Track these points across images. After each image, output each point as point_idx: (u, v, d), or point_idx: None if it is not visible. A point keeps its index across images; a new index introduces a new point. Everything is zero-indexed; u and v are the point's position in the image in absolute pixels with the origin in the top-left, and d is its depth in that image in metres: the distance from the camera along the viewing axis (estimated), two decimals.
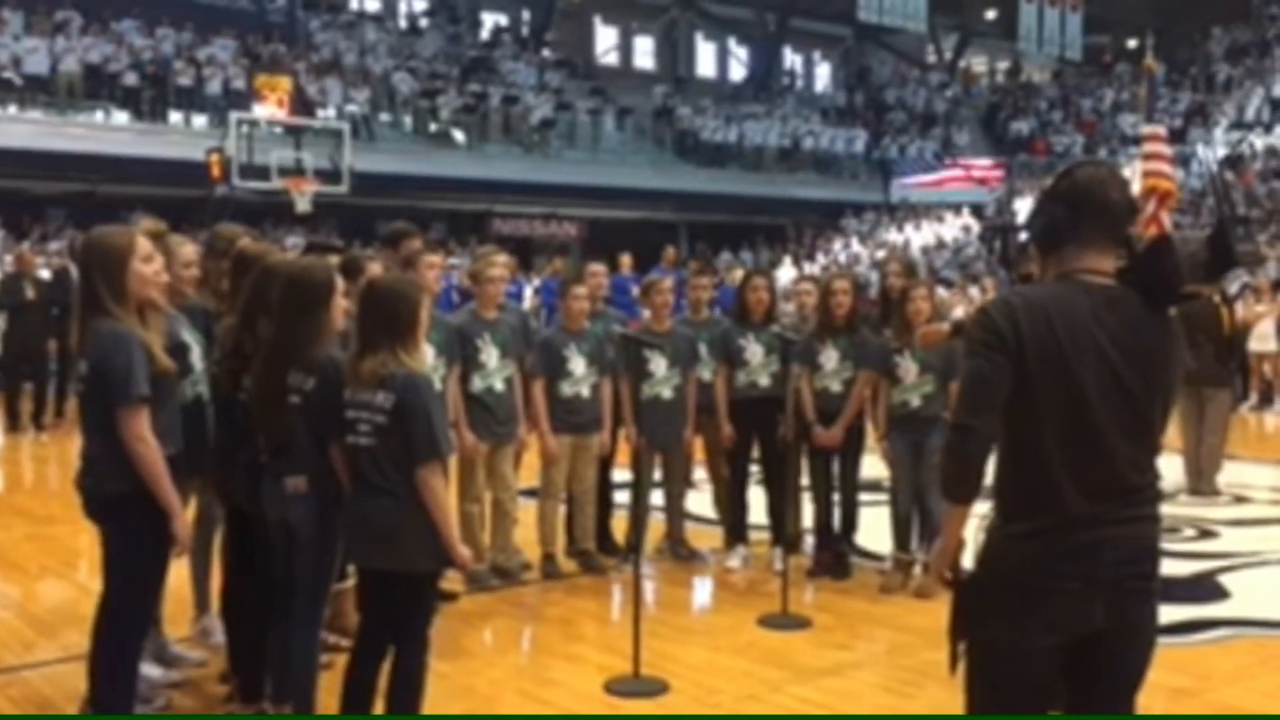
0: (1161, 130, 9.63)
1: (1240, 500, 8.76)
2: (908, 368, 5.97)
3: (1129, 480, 2.48)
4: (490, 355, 5.98)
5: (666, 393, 6.37)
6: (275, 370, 3.81)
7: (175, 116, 21.89)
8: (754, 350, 6.40)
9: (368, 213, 21.85)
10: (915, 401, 5.97)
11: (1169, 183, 9.20)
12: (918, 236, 25.94)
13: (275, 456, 3.88)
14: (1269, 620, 5.55)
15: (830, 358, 6.21)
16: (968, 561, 2.63)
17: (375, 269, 5.28)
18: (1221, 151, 25.76)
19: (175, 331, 4.30)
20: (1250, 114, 27.73)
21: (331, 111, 22.68)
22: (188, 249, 4.89)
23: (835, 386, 6.20)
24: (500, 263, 6.25)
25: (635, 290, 14.26)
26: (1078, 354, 2.39)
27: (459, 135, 25.24)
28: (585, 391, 6.25)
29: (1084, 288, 2.44)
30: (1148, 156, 9.28)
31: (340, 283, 3.97)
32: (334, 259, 4.70)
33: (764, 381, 6.39)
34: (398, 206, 22.93)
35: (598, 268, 6.85)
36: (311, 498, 3.78)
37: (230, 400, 4.20)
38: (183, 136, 21.16)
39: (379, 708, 3.73)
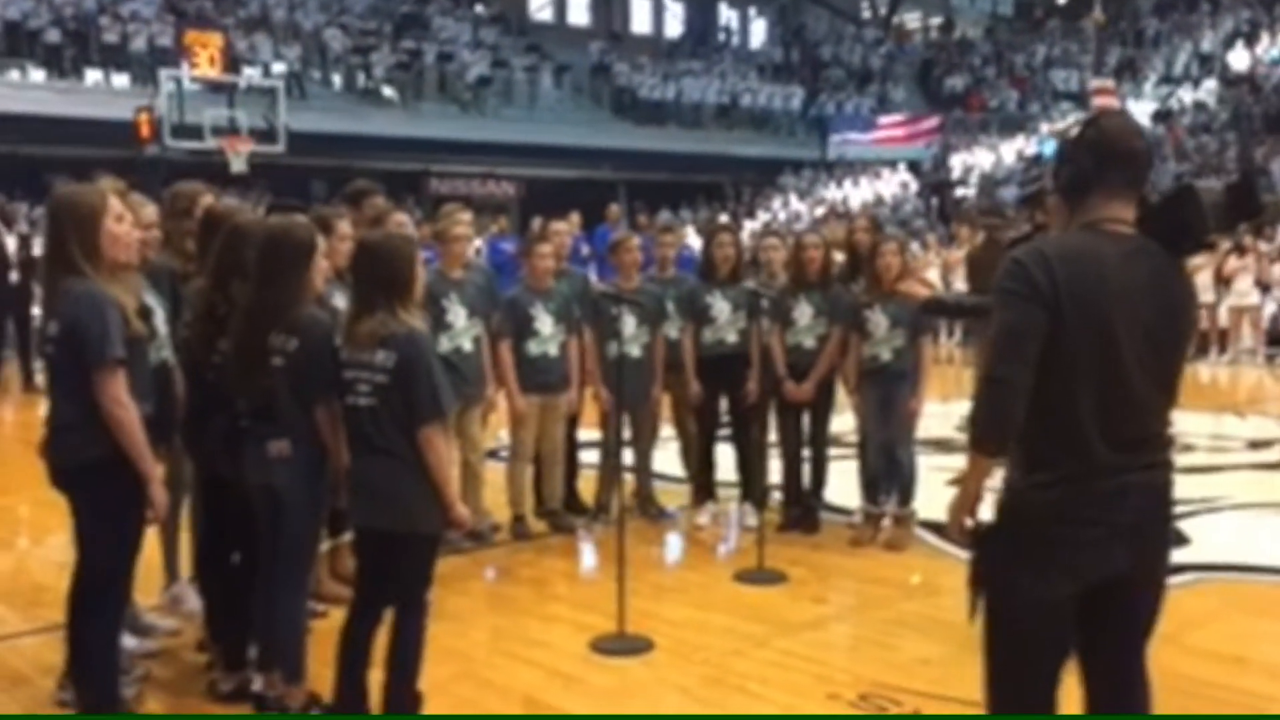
0: (1110, 84, 9.75)
1: (1185, 449, 8.95)
2: (878, 322, 5.98)
3: (1151, 428, 2.51)
4: (457, 315, 5.88)
5: (635, 351, 6.33)
6: (256, 332, 3.71)
7: (94, 75, 21.23)
8: (720, 307, 6.37)
9: (300, 173, 21.47)
10: (885, 355, 5.98)
11: None
12: (856, 193, 26.05)
13: (257, 420, 3.78)
14: (1231, 564, 5.69)
15: (804, 313, 6.20)
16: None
17: (344, 227, 5.19)
18: (1151, 106, 26.11)
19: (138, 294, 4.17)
20: (1178, 69, 28.13)
21: (260, 69, 22.15)
22: (148, 209, 4.75)
23: (809, 342, 6.19)
24: (465, 220, 6.13)
25: (584, 249, 14.22)
26: (1110, 304, 2.39)
27: (393, 93, 24.82)
28: (553, 350, 6.19)
29: (1111, 237, 2.44)
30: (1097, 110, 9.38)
31: (322, 242, 3.86)
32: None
33: (731, 338, 6.37)
34: (331, 166, 22.55)
35: (561, 225, 6.80)
36: (297, 461, 3.70)
37: (203, 364, 4.09)
38: (105, 95, 20.58)
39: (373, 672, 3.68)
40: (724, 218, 24.53)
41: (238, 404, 3.89)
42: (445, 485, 3.54)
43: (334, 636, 3.97)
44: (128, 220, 3.85)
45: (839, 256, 6.69)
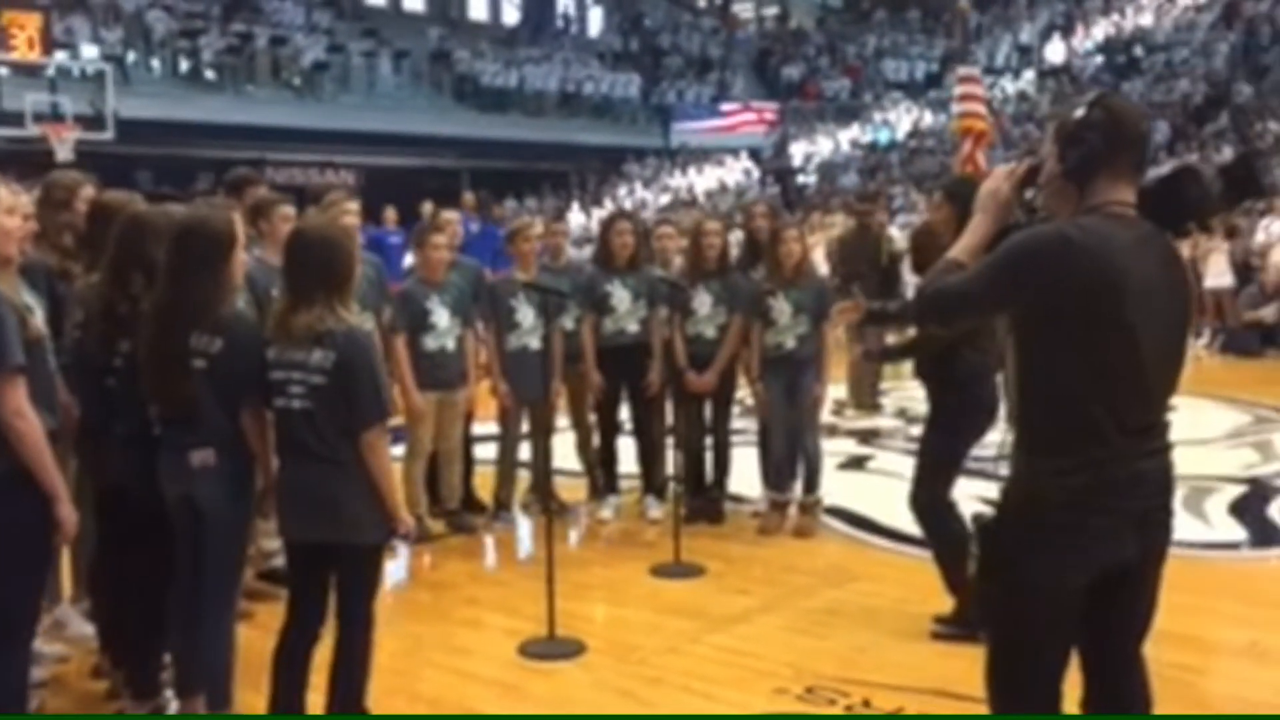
0: (976, 72, 9.97)
1: None
2: (781, 309, 5.94)
3: (1158, 414, 2.50)
4: None
5: (534, 343, 6.15)
6: (173, 332, 3.41)
7: None
8: (620, 296, 6.24)
9: (127, 161, 20.34)
10: (790, 343, 5.95)
11: (983, 123, 9.54)
12: (701, 181, 26.24)
13: (174, 428, 3.49)
14: None
15: (704, 302, 6.11)
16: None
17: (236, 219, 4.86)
18: None
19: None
20: (1000, 60, 29.23)
21: (82, 51, 20.93)
22: (24, 200, 4.34)
23: (710, 332, 6.11)
24: (354, 210, 5.84)
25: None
26: (1132, 293, 2.35)
27: (215, 77, 23.78)
28: (450, 345, 5.97)
29: (1121, 222, 2.41)
30: (963, 98, 9.59)
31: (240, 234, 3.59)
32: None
33: (632, 328, 6.25)
34: (161, 155, 21.55)
35: (452, 215, 6.55)
36: (221, 471, 3.42)
37: (102, 368, 3.76)
38: None
39: (312, 694, 3.44)
40: (575, 205, 24.45)
41: (147, 410, 3.58)
42: (390, 491, 3.33)
43: (249, 656, 3.72)
44: (17, 213, 3.52)
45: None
